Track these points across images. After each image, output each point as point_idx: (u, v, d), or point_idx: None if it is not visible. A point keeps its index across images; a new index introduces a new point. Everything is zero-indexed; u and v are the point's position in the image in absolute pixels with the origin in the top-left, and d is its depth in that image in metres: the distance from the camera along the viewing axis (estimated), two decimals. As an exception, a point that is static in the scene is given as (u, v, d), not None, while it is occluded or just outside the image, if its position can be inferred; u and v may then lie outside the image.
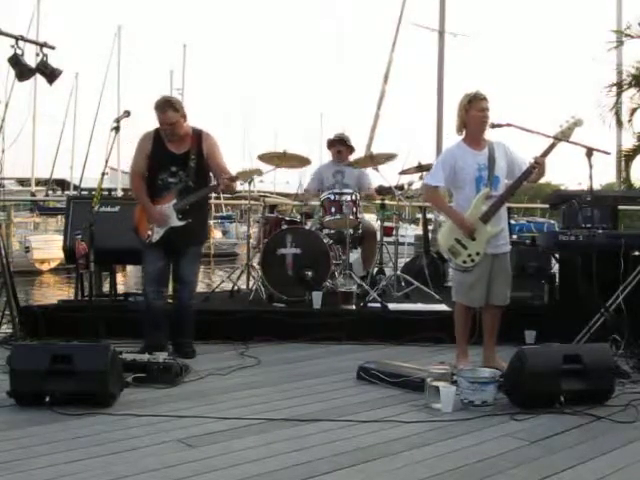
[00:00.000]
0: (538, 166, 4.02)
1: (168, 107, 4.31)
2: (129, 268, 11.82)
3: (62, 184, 32.58)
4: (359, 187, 6.33)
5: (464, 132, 4.21)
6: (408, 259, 7.51)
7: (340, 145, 6.44)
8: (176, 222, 4.36)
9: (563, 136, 3.99)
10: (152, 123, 4.50)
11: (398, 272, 6.21)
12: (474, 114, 4.12)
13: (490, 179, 4.11)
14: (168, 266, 4.52)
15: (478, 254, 4.08)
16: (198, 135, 4.45)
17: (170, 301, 4.68)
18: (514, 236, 7.72)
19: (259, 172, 4.46)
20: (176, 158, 4.39)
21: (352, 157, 6.53)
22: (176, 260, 4.50)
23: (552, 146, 4.02)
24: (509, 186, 4.17)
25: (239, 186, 4.68)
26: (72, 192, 24.39)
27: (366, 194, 6.44)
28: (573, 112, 4.10)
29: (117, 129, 4.46)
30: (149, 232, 4.42)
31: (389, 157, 6.19)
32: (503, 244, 4.22)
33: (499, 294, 4.19)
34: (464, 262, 4.11)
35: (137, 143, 4.52)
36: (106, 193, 5.81)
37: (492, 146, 4.18)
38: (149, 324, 4.47)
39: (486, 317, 4.28)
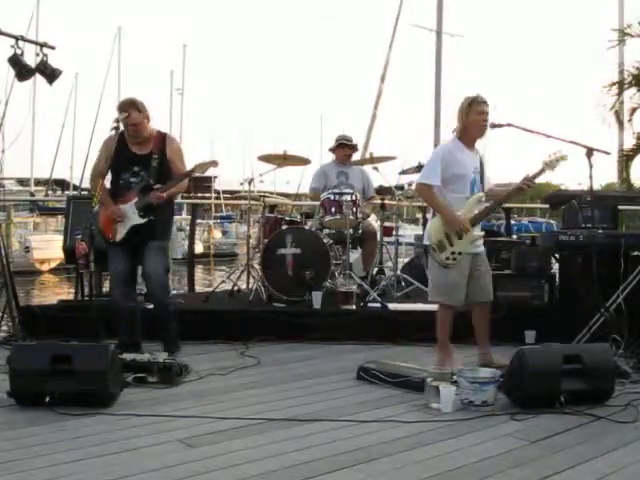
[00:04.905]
0: (528, 187, 4.15)
1: (131, 108, 4.36)
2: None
3: (62, 184, 32.55)
4: (364, 188, 6.35)
5: (461, 133, 4.22)
6: (408, 259, 7.52)
7: (349, 149, 6.43)
8: (137, 220, 4.40)
9: (548, 167, 4.06)
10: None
11: (398, 272, 6.21)
12: (474, 117, 4.15)
13: (482, 184, 4.23)
14: (134, 267, 4.54)
15: (460, 253, 4.14)
16: (162, 137, 4.53)
17: (145, 302, 4.73)
18: (514, 236, 7.73)
19: (215, 164, 4.53)
20: (138, 159, 4.45)
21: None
22: (141, 258, 4.50)
23: (541, 171, 4.10)
24: (500, 198, 4.29)
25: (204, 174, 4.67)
26: (72, 192, 24.39)
27: (369, 198, 6.40)
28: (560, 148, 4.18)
29: (117, 129, 4.48)
30: (112, 232, 4.45)
31: (388, 159, 6.23)
32: (480, 244, 4.30)
33: (485, 291, 4.26)
34: (447, 258, 4.15)
35: (101, 144, 4.58)
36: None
37: (479, 152, 4.29)
38: (121, 325, 4.51)
39: (477, 316, 4.32)
